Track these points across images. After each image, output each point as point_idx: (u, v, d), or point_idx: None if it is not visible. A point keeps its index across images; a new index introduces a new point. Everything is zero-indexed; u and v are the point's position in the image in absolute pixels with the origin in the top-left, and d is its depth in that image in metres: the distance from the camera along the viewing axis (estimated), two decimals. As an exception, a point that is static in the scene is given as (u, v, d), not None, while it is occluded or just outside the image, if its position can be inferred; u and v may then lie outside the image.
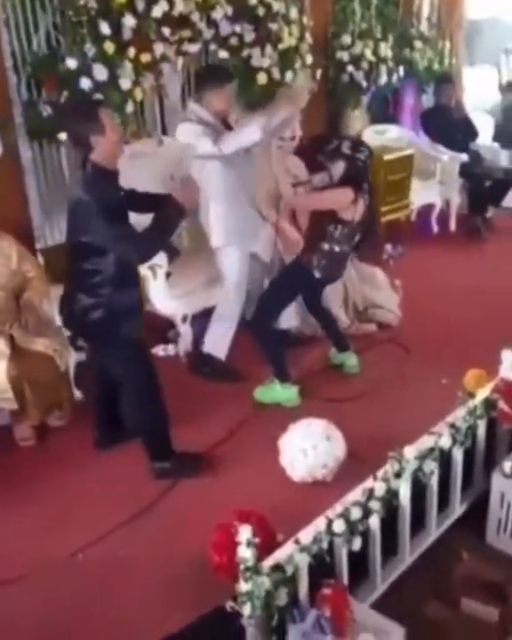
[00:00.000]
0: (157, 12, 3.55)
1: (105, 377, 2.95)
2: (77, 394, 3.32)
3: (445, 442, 2.46)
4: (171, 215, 2.62)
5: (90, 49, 3.38)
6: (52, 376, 2.97)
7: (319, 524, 2.11)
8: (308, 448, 2.74)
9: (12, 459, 3.03)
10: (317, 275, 3.31)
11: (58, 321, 3.27)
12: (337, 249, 3.27)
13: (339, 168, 3.18)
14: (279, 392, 3.38)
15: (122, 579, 2.44)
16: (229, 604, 1.98)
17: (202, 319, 3.77)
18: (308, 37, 4.60)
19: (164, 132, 4.31)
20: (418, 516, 2.47)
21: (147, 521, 2.68)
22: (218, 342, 3.61)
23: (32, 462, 3.02)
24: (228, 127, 3.38)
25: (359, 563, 2.27)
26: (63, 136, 3.45)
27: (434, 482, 2.47)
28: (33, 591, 2.38)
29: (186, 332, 3.75)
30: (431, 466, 2.40)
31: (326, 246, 3.26)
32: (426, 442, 2.44)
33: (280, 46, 4.35)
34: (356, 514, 2.15)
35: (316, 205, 3.31)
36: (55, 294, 3.27)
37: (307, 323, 3.91)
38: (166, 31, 3.64)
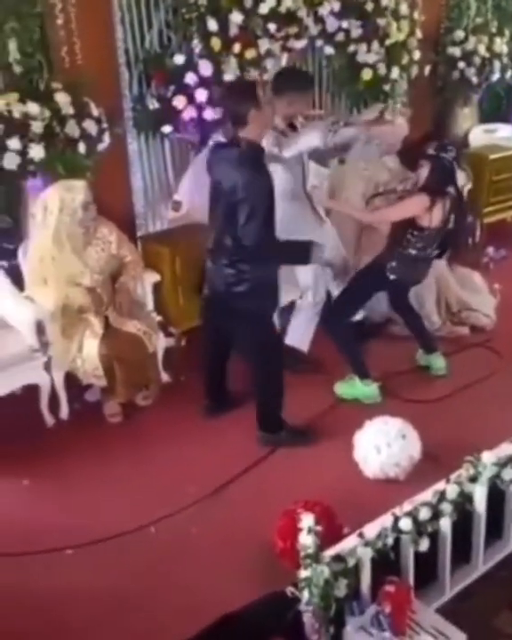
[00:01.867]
0: (264, 8, 3.59)
1: (217, 348, 3.12)
2: (165, 376, 3.46)
3: (529, 451, 2.37)
4: (303, 252, 2.82)
5: (197, 45, 3.49)
6: (140, 357, 3.10)
7: (386, 520, 2.11)
8: (383, 445, 2.73)
9: (100, 433, 3.20)
10: (392, 277, 3.30)
11: (150, 305, 3.43)
12: (415, 253, 3.25)
13: (424, 171, 3.18)
14: (359, 388, 3.37)
15: (189, 554, 2.53)
16: (290, 590, 2.02)
17: (287, 311, 3.80)
18: (418, 33, 4.50)
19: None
20: (499, 524, 2.40)
21: (220, 502, 2.77)
22: (300, 335, 3.63)
23: (118, 437, 3.17)
24: (295, 130, 3.37)
25: (432, 566, 2.24)
26: (167, 129, 3.60)
27: (514, 491, 2.38)
28: (102, 558, 2.52)
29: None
30: (511, 474, 2.32)
31: (404, 250, 3.25)
32: (507, 449, 2.36)
33: (387, 42, 4.29)
34: (424, 514, 2.12)
35: (391, 219, 3.32)
36: (150, 279, 3.43)
37: (374, 311, 3.88)
38: (272, 27, 3.68)
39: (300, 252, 2.85)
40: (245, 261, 2.76)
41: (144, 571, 2.46)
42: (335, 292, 3.70)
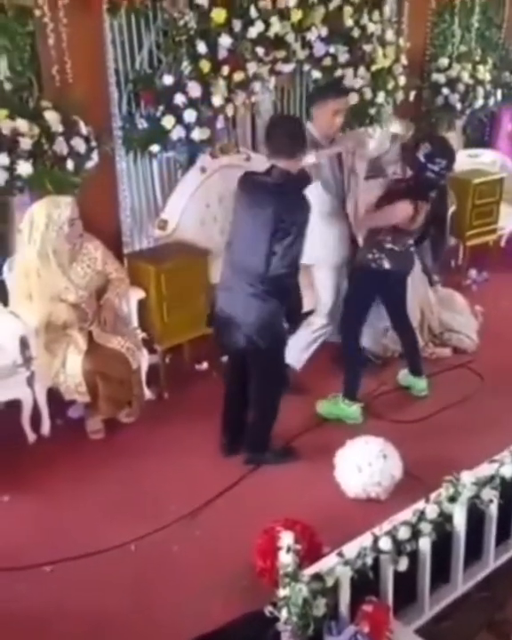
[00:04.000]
0: (253, 32, 3.66)
1: (236, 383, 3.08)
2: (148, 393, 3.45)
3: (507, 471, 2.38)
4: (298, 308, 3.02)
5: (186, 67, 3.54)
6: (123, 373, 3.11)
7: (365, 539, 2.11)
8: (364, 465, 2.74)
9: (81, 449, 3.19)
10: (374, 266, 3.30)
11: (135, 322, 3.44)
12: (395, 248, 3.30)
13: (408, 172, 3.24)
14: (343, 408, 3.38)
15: (169, 572, 2.52)
16: (268, 609, 2.00)
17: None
18: (403, 59, 4.59)
19: (255, 147, 4.43)
20: (478, 545, 2.41)
21: (201, 520, 2.76)
22: (297, 352, 3.59)
23: (100, 454, 3.16)
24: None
25: (411, 586, 2.24)
26: (155, 148, 3.64)
27: (493, 511, 2.39)
28: (82, 576, 2.50)
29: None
30: (490, 494, 2.33)
31: (383, 245, 3.29)
32: (486, 469, 2.38)
33: (373, 67, 4.38)
34: (404, 533, 2.12)
35: (380, 224, 3.31)
36: (135, 296, 3.45)
37: (378, 343, 3.89)
38: (260, 51, 3.75)
39: (297, 306, 2.98)
40: (269, 291, 2.78)
41: (123, 589, 2.44)
42: None
